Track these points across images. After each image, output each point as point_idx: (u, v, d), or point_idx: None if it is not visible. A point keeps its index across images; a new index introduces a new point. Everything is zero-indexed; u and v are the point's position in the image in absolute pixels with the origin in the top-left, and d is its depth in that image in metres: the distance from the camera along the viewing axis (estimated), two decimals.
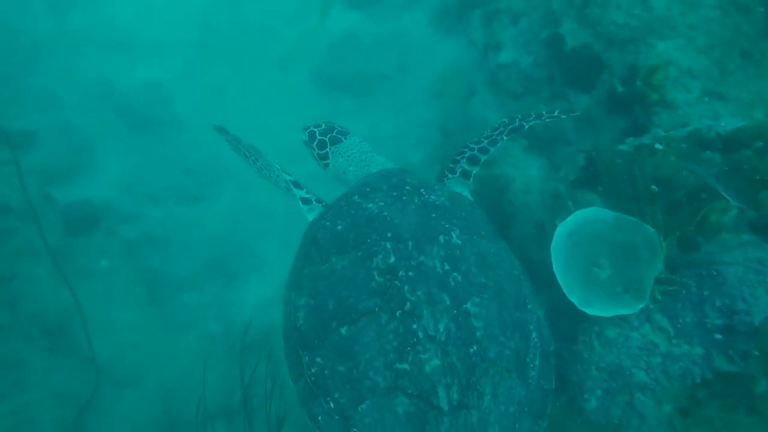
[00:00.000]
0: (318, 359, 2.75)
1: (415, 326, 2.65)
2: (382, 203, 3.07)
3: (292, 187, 3.53)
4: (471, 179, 3.59)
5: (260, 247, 7.66)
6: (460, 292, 2.77)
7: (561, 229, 3.70)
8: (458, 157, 3.63)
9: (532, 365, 2.82)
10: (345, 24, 9.47)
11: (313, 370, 2.75)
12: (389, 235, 2.91)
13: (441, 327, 2.67)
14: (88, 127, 8.56)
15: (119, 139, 8.56)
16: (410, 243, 2.87)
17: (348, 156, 3.80)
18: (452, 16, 6.25)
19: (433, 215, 3.01)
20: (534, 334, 2.91)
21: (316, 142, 3.87)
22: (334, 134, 3.85)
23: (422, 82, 8.55)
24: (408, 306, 2.70)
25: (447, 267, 2.82)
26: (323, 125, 3.91)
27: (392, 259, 2.82)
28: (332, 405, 2.67)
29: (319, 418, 2.68)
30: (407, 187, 3.17)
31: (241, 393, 5.46)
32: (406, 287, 2.73)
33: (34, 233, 5.99)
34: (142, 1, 9.55)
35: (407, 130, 8.13)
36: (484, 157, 3.62)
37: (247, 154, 3.82)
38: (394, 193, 3.13)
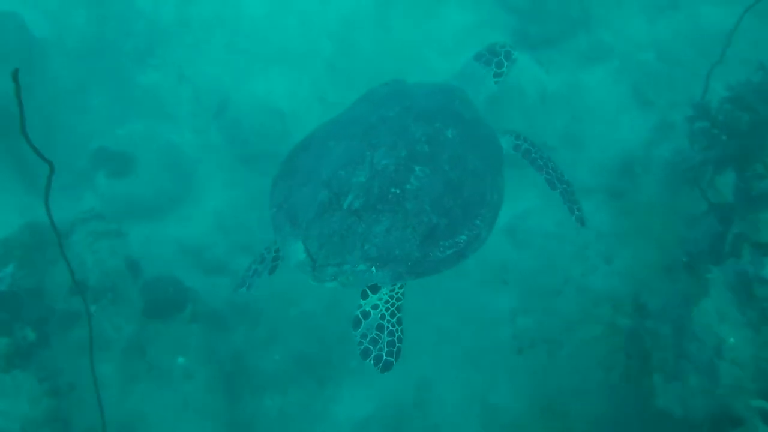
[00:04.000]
0: (304, 155, 3.53)
1: (368, 154, 3.28)
2: (424, 92, 3.73)
3: None
4: (518, 150, 3.98)
5: None
6: (418, 156, 3.28)
7: None
8: (535, 153, 4.02)
9: (442, 250, 3.20)
10: None
11: (295, 161, 3.53)
12: (405, 103, 3.56)
13: (383, 162, 3.23)
14: (193, 150, 7.44)
15: (224, 170, 7.40)
16: (413, 113, 3.47)
17: (472, 78, 4.25)
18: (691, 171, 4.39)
19: (447, 113, 3.54)
20: (464, 237, 3.26)
21: (487, 50, 4.38)
22: (497, 57, 4.30)
23: (597, 166, 6.81)
24: (374, 141, 3.33)
25: (423, 139, 3.35)
26: (502, 53, 4.33)
27: (391, 114, 3.48)
28: (289, 183, 3.40)
29: (276, 190, 3.50)
30: (451, 92, 3.77)
31: None
32: (384, 131, 3.36)
33: (108, 320, 4.92)
34: (277, 1, 8.14)
35: (569, 236, 6.45)
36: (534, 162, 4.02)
37: None
38: (440, 92, 3.77)
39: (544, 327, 6.02)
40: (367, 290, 3.27)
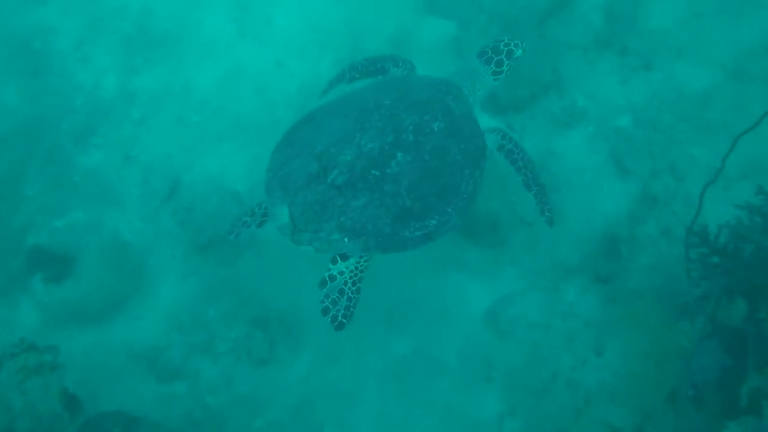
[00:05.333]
0: (305, 128, 3.96)
1: (357, 136, 3.71)
2: (421, 84, 4.09)
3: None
4: (501, 150, 4.39)
5: None
6: (402, 144, 3.71)
7: None
8: (517, 155, 4.49)
9: (412, 231, 3.63)
10: None
11: (297, 132, 3.99)
12: (402, 92, 3.94)
13: (369, 145, 3.67)
14: (142, 239, 6.80)
15: (177, 260, 6.77)
16: (405, 103, 3.86)
17: (471, 75, 4.44)
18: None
19: (437, 107, 3.90)
20: (434, 222, 3.70)
21: (491, 47, 4.53)
22: (498, 56, 4.42)
23: (579, 242, 6.39)
24: (366, 124, 3.75)
25: (410, 128, 3.76)
26: (504, 51, 4.45)
27: (387, 101, 3.88)
28: (287, 152, 3.82)
29: (275, 156, 3.94)
30: (446, 88, 4.12)
31: None
32: (376, 116, 3.77)
33: None
34: (230, 69, 7.58)
35: (555, 325, 6.00)
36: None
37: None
38: (435, 86, 4.10)
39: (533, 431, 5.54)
40: (338, 257, 3.69)
